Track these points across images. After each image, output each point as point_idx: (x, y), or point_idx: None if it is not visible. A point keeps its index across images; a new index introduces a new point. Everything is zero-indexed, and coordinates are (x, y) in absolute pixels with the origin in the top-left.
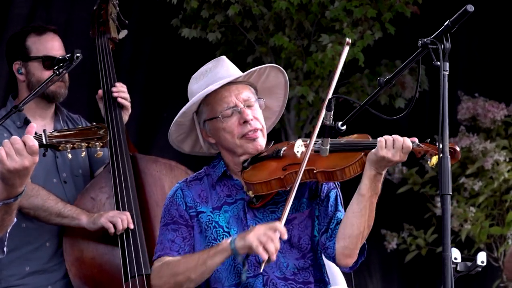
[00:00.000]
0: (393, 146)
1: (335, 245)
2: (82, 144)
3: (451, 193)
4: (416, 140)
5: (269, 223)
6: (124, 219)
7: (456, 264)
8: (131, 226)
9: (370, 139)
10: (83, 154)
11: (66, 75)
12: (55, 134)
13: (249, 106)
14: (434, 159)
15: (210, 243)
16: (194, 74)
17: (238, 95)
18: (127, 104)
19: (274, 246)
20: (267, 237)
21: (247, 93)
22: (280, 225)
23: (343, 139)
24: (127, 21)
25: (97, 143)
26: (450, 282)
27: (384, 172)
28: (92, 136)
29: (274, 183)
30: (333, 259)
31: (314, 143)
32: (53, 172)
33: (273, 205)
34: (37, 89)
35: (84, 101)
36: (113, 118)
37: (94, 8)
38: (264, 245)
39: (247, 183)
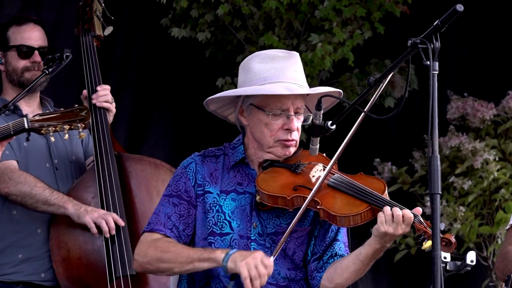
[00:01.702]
0: (392, 220)
1: (322, 280)
2: (65, 126)
3: (440, 193)
4: (420, 211)
5: (263, 257)
6: (109, 220)
7: (446, 263)
8: (122, 224)
9: (383, 195)
10: (66, 136)
11: (41, 64)
12: (37, 118)
13: (297, 114)
14: (428, 244)
15: (211, 227)
16: (259, 52)
17: (294, 100)
18: (109, 106)
19: (260, 283)
20: (256, 272)
21: (301, 102)
22: (272, 263)
23: (358, 181)
24: (113, 18)
25: (79, 125)
26: (440, 281)
27: (389, 245)
28: (74, 118)
29: (280, 200)
30: None
31: (331, 175)
32: (46, 158)
33: (280, 209)
34: (28, 88)
35: (74, 100)
36: (97, 117)
37: (79, 4)
38: (251, 279)
39: (258, 188)
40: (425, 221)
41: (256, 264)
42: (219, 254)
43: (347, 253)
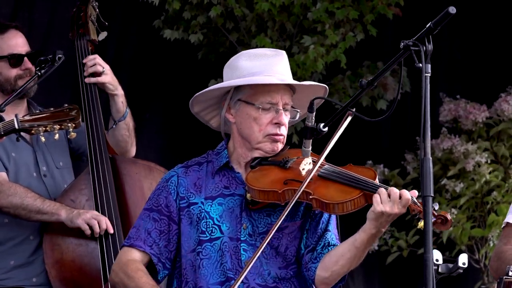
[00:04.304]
0: (389, 199)
1: (317, 270)
2: (55, 126)
3: (432, 195)
4: (415, 194)
5: None
6: (102, 221)
7: (438, 265)
8: (111, 231)
9: (374, 181)
10: (56, 136)
11: (33, 69)
12: (27, 118)
13: (285, 109)
14: (423, 223)
15: (198, 236)
16: (246, 51)
17: (283, 96)
18: (97, 79)
19: None
20: None
21: (289, 98)
22: None
23: (348, 171)
24: (107, 23)
25: (69, 124)
26: (432, 283)
27: (384, 230)
28: (64, 118)
29: (271, 195)
30: (312, 281)
31: (320, 167)
32: (32, 167)
33: (271, 207)
34: (19, 90)
35: (67, 102)
36: (92, 121)
37: (74, 10)
38: None
39: (248, 185)
40: (418, 201)
41: None
42: None
43: (339, 244)
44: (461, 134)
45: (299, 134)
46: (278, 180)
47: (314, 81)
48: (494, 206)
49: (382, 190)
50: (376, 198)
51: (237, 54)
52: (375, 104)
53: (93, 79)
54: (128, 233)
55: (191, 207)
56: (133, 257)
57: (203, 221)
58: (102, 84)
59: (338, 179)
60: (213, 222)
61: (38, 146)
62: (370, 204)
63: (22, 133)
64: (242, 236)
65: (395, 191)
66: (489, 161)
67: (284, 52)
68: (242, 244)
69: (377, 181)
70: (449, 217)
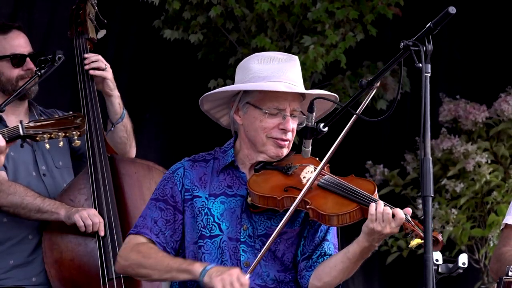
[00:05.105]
0: (382, 218)
1: (310, 279)
2: (60, 133)
3: (432, 195)
4: (409, 211)
5: (240, 275)
6: (96, 223)
7: (438, 266)
8: (101, 233)
9: (373, 195)
10: (61, 144)
11: (34, 70)
12: (32, 124)
13: (292, 115)
14: (415, 242)
15: (200, 230)
16: (257, 54)
17: (291, 102)
18: (101, 73)
19: None
20: None
21: (298, 105)
22: (248, 281)
23: (348, 182)
24: (106, 21)
25: (74, 132)
26: (432, 284)
27: (377, 244)
28: (69, 125)
29: (270, 200)
30: None
31: (321, 176)
32: (31, 166)
33: (272, 211)
34: (19, 90)
35: (66, 102)
36: (91, 120)
37: (72, 7)
38: None
39: (249, 189)
40: (412, 220)
41: (231, 281)
42: (198, 267)
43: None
44: (461, 134)
45: (299, 134)
46: (279, 187)
47: (314, 81)
48: (494, 206)
49: (379, 208)
50: (371, 215)
51: (250, 56)
52: (375, 104)
53: (98, 72)
54: (135, 223)
55: (195, 199)
56: (141, 241)
57: (204, 216)
58: (103, 80)
59: (336, 190)
60: (213, 219)
61: (37, 145)
62: (366, 217)
63: (27, 139)
64: (241, 237)
65: (387, 211)
66: (489, 161)
67: (296, 58)
68: (241, 245)
69: (376, 195)
70: (440, 238)
